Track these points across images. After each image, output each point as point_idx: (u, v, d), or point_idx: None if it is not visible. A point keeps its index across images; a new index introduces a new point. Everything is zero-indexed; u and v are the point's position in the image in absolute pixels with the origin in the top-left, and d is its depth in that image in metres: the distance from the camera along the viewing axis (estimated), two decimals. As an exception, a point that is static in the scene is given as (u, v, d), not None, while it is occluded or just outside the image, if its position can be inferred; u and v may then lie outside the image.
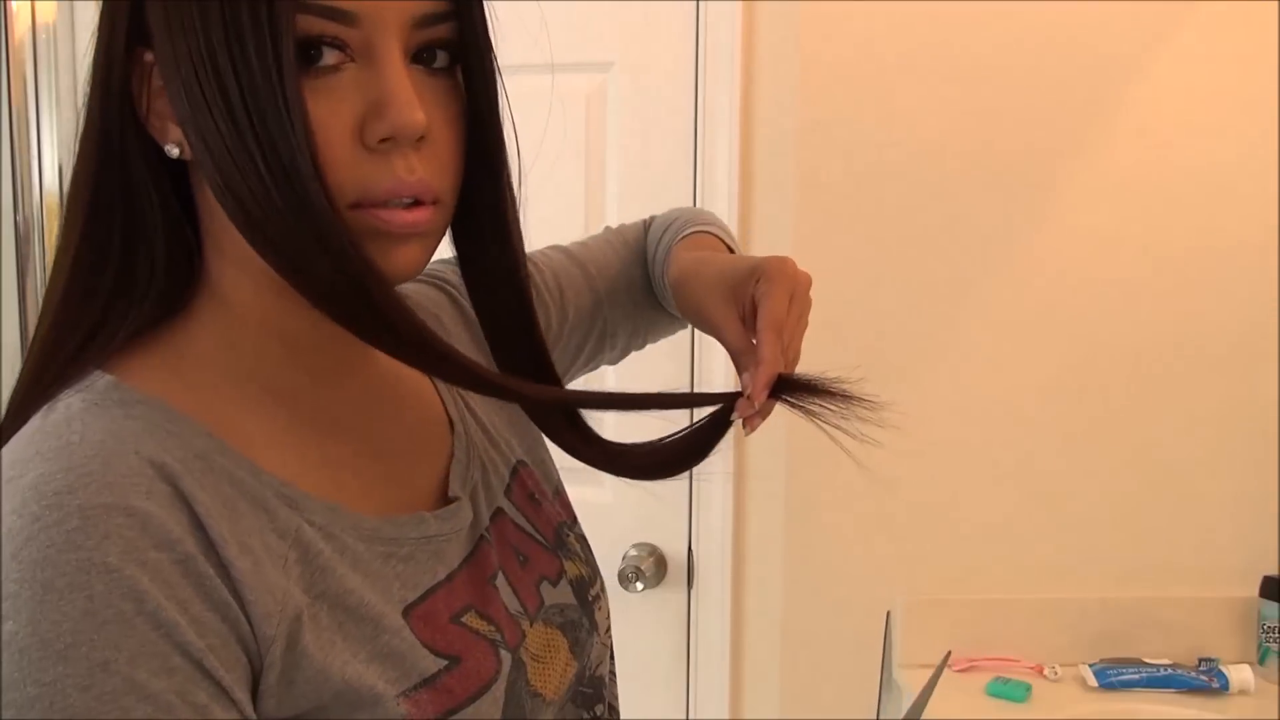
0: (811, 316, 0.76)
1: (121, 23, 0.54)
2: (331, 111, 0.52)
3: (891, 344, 1.66)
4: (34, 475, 0.49)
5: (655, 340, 0.95)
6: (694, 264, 0.82)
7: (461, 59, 0.58)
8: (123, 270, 0.57)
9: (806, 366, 0.72)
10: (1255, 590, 1.66)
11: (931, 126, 1.61)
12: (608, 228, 0.95)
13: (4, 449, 0.52)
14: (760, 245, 1.63)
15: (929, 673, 0.69)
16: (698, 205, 1.65)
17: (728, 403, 0.70)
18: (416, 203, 0.55)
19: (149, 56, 0.54)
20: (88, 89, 0.56)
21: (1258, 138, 1.60)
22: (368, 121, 0.53)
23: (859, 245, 1.64)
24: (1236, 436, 1.67)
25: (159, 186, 0.57)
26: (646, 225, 0.93)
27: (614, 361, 0.94)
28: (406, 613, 0.58)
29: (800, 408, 0.71)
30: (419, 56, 0.56)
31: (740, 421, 0.71)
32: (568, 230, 1.76)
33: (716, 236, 0.89)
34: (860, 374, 0.70)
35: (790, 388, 0.70)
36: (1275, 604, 1.62)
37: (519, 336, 0.68)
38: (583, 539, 0.77)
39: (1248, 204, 1.62)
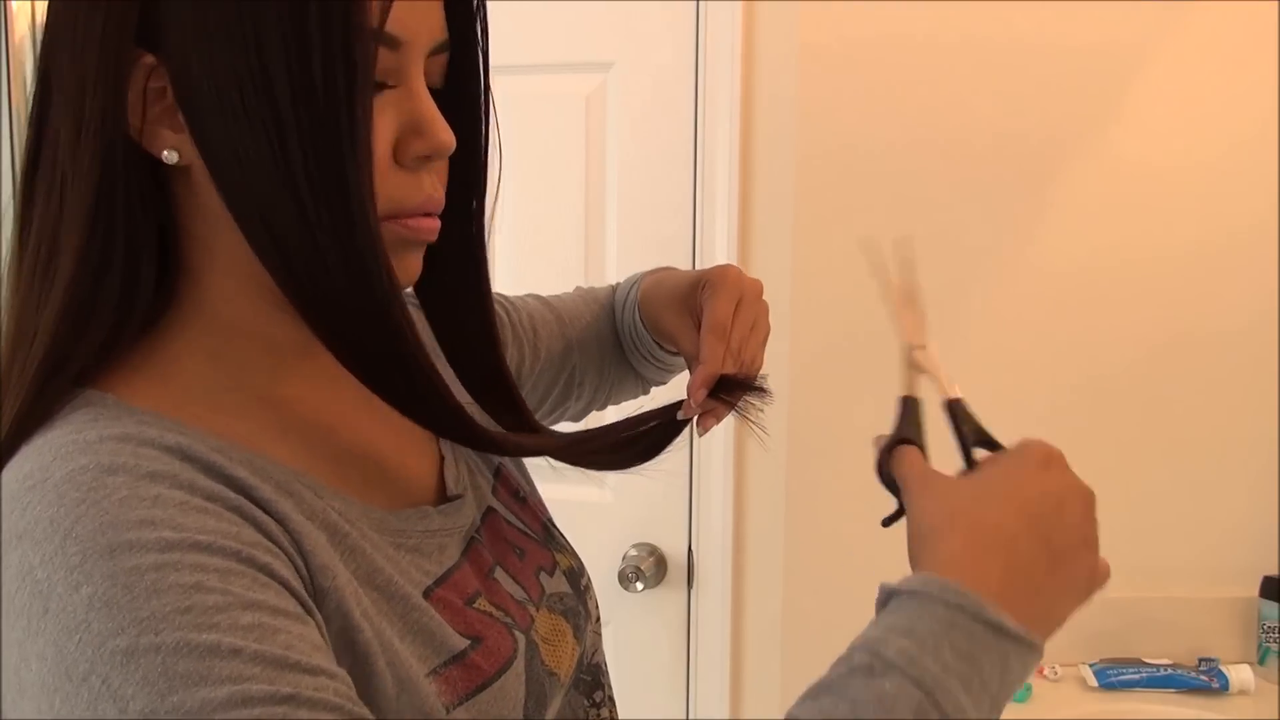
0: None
1: (129, 23, 0.52)
2: (377, 131, 0.54)
3: (890, 343, 1.65)
4: (63, 472, 0.48)
5: (617, 401, 0.98)
6: (653, 284, 0.89)
7: (455, 84, 0.62)
8: (126, 286, 0.55)
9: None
10: (1255, 590, 1.66)
11: (931, 125, 1.61)
12: (578, 287, 0.99)
13: (8, 469, 0.51)
14: (760, 245, 1.63)
15: None
16: (698, 203, 1.66)
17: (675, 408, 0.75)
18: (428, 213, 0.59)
19: (148, 59, 0.52)
20: (71, 91, 0.53)
21: (1259, 134, 1.60)
22: (406, 140, 0.56)
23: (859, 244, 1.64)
24: (1237, 437, 1.67)
25: (151, 195, 0.55)
26: (614, 288, 0.98)
27: (576, 416, 0.96)
28: (427, 594, 0.60)
29: (738, 410, 0.75)
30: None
31: (695, 422, 0.75)
32: (568, 230, 1.76)
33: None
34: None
35: (732, 388, 0.74)
36: (1275, 604, 1.62)
37: (482, 357, 0.69)
38: (562, 533, 0.79)
39: (1249, 203, 1.62)
